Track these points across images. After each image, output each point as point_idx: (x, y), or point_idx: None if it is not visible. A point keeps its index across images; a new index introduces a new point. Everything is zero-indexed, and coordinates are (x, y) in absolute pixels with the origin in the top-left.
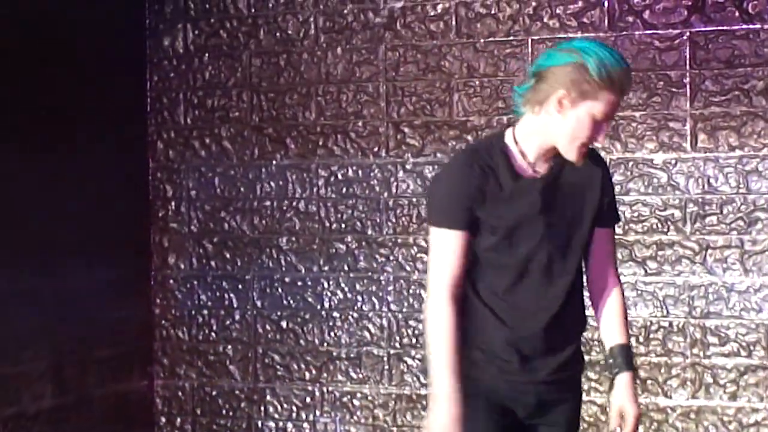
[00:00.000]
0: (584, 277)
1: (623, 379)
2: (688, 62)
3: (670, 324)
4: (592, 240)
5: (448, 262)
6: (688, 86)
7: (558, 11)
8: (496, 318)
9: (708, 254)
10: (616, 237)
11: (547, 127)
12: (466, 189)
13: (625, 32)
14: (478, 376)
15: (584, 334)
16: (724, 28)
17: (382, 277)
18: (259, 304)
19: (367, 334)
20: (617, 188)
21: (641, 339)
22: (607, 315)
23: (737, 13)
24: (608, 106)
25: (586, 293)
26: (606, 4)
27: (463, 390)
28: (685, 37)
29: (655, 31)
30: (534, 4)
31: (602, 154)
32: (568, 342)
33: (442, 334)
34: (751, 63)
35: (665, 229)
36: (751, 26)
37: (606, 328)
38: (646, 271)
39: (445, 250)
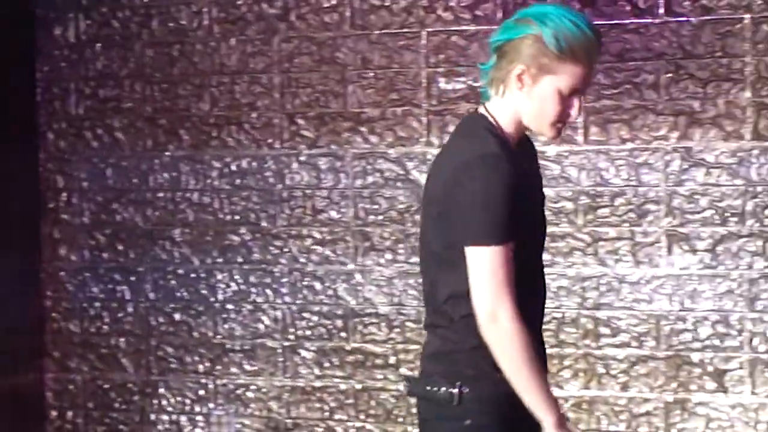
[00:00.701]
0: None
1: None
2: None
3: (563, 315)
4: None
5: (509, 277)
6: None
7: (452, 3)
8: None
9: (600, 246)
10: None
11: (514, 107)
12: (514, 192)
13: None
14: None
15: None
16: (616, 22)
17: (276, 269)
18: (152, 296)
19: (261, 326)
20: None
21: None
22: None
23: (628, 8)
24: (574, 79)
25: None
26: None
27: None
28: None
29: None
30: None
31: None
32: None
33: (529, 356)
34: (642, 57)
35: (557, 221)
36: (641, 20)
37: None
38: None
39: (504, 267)
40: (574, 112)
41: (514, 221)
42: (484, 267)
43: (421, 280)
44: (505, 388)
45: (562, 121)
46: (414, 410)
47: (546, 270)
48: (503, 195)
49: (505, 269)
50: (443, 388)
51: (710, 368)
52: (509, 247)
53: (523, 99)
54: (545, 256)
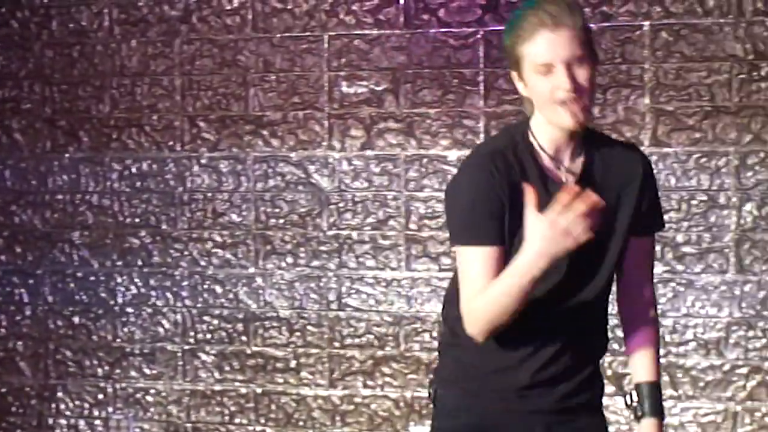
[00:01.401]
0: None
1: (647, 426)
2: (482, 61)
3: None
4: (626, 251)
5: (480, 280)
6: (482, 84)
7: (354, 8)
8: (501, 345)
9: None
10: (411, 233)
11: (534, 110)
12: (493, 193)
13: (420, 30)
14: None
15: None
16: None
17: (176, 272)
18: (50, 299)
19: (161, 329)
20: (412, 184)
21: (434, 334)
22: (638, 346)
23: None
24: (538, 55)
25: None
26: (402, 1)
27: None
28: (479, 36)
29: (449, 30)
30: (330, 0)
31: (397, 150)
32: (577, 369)
33: (498, 303)
34: None
35: None
36: None
37: (635, 361)
38: (440, 267)
39: (473, 270)
40: (566, 84)
41: (493, 225)
42: (459, 267)
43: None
44: (471, 401)
45: (563, 100)
46: (314, 414)
47: (448, 275)
48: (472, 196)
49: (476, 271)
50: (430, 387)
51: (608, 372)
52: (484, 250)
53: (530, 98)
54: None
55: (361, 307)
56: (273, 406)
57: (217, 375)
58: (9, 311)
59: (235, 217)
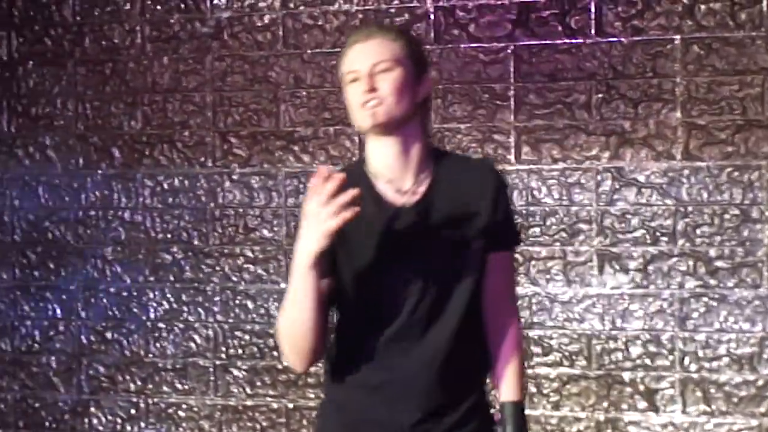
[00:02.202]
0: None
1: None
2: (512, 75)
3: None
4: (485, 268)
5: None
6: (512, 99)
7: (384, 23)
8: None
9: (531, 265)
10: None
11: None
12: None
13: (450, 45)
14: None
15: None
16: (548, 42)
17: (208, 288)
18: (83, 314)
19: (192, 344)
20: None
21: None
22: (501, 363)
23: (560, 28)
24: (351, 60)
25: None
26: (432, 17)
27: None
28: (509, 51)
29: (480, 45)
30: (361, 16)
31: None
32: (462, 396)
33: (285, 321)
34: (573, 77)
35: None
36: (573, 41)
37: (499, 379)
38: None
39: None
40: (365, 86)
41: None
42: None
43: None
44: (336, 400)
45: (362, 102)
46: None
47: None
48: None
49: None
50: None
51: (641, 387)
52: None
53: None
54: None
55: None
56: (304, 422)
57: (248, 390)
58: (42, 327)
59: (266, 233)
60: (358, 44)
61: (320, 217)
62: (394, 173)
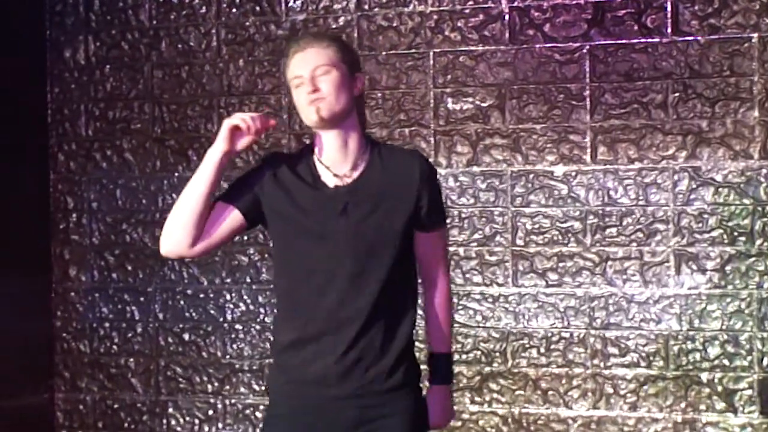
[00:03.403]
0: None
1: (439, 390)
2: (587, 75)
3: (571, 335)
4: (414, 245)
5: (207, 228)
6: (588, 99)
7: (459, 24)
8: (293, 327)
9: (608, 266)
10: (517, 249)
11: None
12: (255, 175)
13: (525, 45)
14: (278, 400)
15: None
16: (623, 41)
17: None
18: (161, 316)
19: (269, 346)
20: (518, 200)
21: (542, 350)
22: (434, 322)
23: (636, 27)
24: (294, 66)
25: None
26: (507, 17)
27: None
28: (584, 51)
29: (555, 45)
30: (436, 17)
31: (503, 165)
32: (384, 354)
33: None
34: (649, 76)
35: (566, 241)
36: (649, 40)
37: (431, 335)
38: (546, 282)
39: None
40: (308, 87)
41: (239, 192)
42: None
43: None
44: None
45: (308, 101)
46: None
47: (554, 290)
48: (246, 173)
49: (210, 219)
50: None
51: (719, 388)
52: (218, 204)
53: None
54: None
55: (468, 323)
56: None
57: None
58: (121, 328)
59: None
60: (299, 53)
61: (229, 120)
62: (335, 160)
